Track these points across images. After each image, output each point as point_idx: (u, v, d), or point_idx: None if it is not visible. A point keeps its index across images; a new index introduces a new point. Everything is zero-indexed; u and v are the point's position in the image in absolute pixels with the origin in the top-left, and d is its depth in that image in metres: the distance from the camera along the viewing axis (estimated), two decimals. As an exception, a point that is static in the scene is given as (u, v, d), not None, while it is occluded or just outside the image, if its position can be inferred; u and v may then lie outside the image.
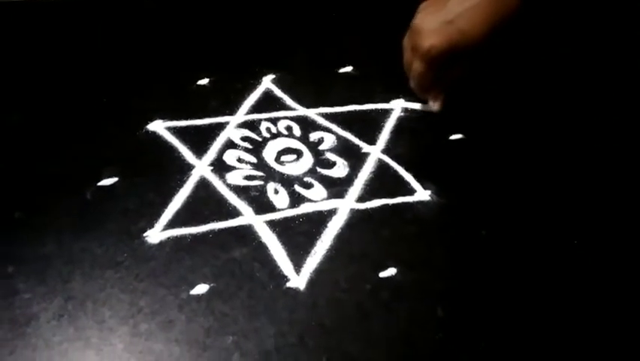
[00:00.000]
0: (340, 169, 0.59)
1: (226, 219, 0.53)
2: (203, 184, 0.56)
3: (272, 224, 0.53)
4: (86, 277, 0.48)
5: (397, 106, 0.66)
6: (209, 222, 0.52)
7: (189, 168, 0.57)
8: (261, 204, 0.54)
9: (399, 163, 0.59)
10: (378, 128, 0.63)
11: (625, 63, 0.72)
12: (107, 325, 0.45)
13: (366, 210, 0.55)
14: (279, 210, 0.54)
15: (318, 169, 0.58)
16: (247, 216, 0.53)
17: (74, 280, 0.47)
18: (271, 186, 0.56)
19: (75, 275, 0.48)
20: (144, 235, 0.51)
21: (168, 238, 0.51)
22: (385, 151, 0.61)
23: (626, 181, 0.58)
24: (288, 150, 0.60)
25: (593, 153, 0.61)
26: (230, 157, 0.59)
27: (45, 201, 0.53)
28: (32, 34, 0.73)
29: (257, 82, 0.68)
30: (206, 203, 0.54)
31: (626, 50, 0.73)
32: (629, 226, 0.54)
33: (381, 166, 0.59)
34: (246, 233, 0.52)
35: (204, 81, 0.68)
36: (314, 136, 0.62)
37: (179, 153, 0.59)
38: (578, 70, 0.72)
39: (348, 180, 0.57)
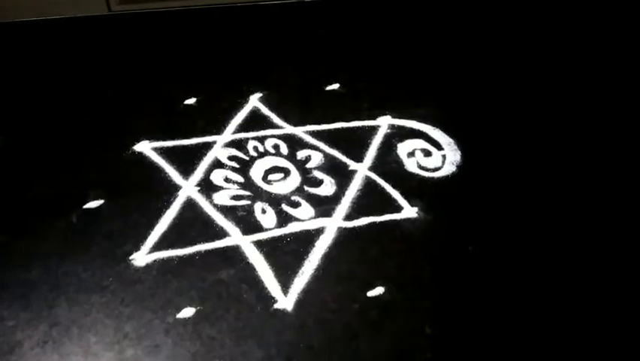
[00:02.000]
0: (328, 187, 0.59)
1: (213, 240, 0.52)
2: (189, 205, 0.56)
3: (259, 244, 0.53)
4: (71, 302, 0.47)
5: (384, 123, 0.66)
6: (195, 244, 0.52)
7: (176, 188, 0.57)
8: (249, 225, 0.54)
9: (386, 180, 0.59)
10: (365, 146, 0.64)
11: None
12: (92, 351, 0.44)
13: (353, 229, 0.55)
14: (266, 230, 0.54)
15: (306, 188, 0.58)
16: (234, 236, 0.53)
17: (59, 306, 0.47)
18: (258, 206, 0.56)
19: (60, 300, 0.47)
20: (130, 258, 0.51)
21: (154, 261, 0.50)
22: (372, 168, 0.61)
23: (604, 199, 0.59)
24: (275, 169, 0.60)
25: (576, 170, 0.62)
26: (217, 177, 0.59)
27: (30, 225, 0.53)
28: (16, 57, 0.73)
29: (244, 101, 0.68)
30: (193, 224, 0.54)
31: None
32: (610, 239, 0.54)
33: (369, 183, 0.59)
34: (233, 254, 0.52)
35: (191, 101, 0.68)
36: (301, 154, 0.62)
37: (166, 173, 0.59)
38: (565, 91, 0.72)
39: (336, 199, 0.57)
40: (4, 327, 0.45)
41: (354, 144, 0.64)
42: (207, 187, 0.58)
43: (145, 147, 0.61)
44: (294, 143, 0.64)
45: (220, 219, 0.55)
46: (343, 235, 0.54)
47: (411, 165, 0.62)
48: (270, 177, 0.59)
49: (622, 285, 0.50)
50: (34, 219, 0.54)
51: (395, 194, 0.58)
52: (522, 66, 0.75)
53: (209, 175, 0.59)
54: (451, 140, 0.64)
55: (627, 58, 0.76)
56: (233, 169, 0.60)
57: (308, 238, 0.53)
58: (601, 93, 0.71)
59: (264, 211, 0.56)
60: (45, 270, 0.50)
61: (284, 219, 0.55)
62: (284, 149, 0.63)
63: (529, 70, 0.74)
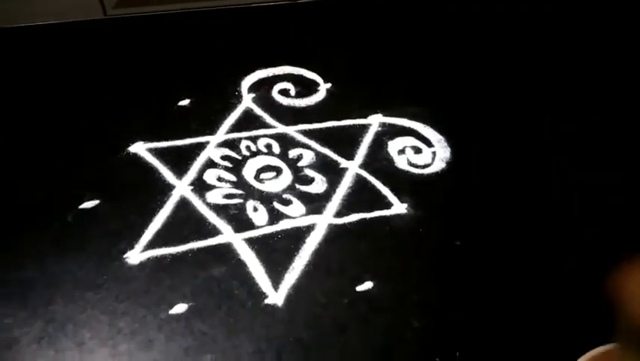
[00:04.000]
0: (319, 185, 0.59)
1: (205, 238, 0.53)
2: (183, 204, 0.57)
3: (251, 241, 0.53)
4: (66, 299, 0.48)
5: (375, 121, 0.67)
6: (188, 242, 0.53)
7: (170, 188, 0.58)
8: (241, 222, 0.55)
9: (376, 177, 0.60)
10: (356, 144, 0.64)
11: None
12: (87, 346, 0.45)
13: (343, 225, 0.55)
14: (257, 227, 0.55)
15: (297, 186, 0.59)
16: (226, 234, 0.54)
17: (55, 303, 0.48)
18: (250, 204, 0.57)
19: (56, 298, 0.48)
20: (124, 256, 0.52)
21: (148, 259, 0.51)
22: (363, 166, 0.62)
23: (592, 195, 0.59)
24: (267, 168, 0.61)
25: (565, 166, 0.62)
26: (210, 176, 0.60)
27: (27, 225, 0.54)
28: (12, 61, 0.74)
29: (237, 101, 0.69)
30: (186, 223, 0.55)
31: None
32: (598, 234, 0.55)
33: (359, 181, 0.60)
34: (225, 251, 0.52)
35: (185, 102, 0.69)
36: (293, 153, 0.63)
37: (160, 173, 0.60)
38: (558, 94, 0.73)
39: (327, 196, 0.58)
40: (2, 324, 0.47)
41: (345, 142, 0.64)
42: (200, 186, 0.59)
43: (140, 148, 0.63)
44: (286, 142, 0.65)
45: (212, 217, 0.56)
46: (333, 231, 0.55)
47: (401, 162, 0.63)
48: (262, 175, 0.60)
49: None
50: (30, 219, 0.55)
51: (385, 191, 0.59)
52: (513, 62, 0.75)
53: (202, 175, 0.60)
54: (441, 137, 0.65)
55: (621, 59, 0.77)
56: (226, 168, 0.61)
57: (299, 235, 0.54)
58: (592, 91, 0.72)
59: (255, 209, 0.57)
60: (41, 269, 0.51)
61: (275, 216, 0.56)
62: (276, 148, 0.64)
63: (519, 66, 0.75)
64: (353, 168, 0.62)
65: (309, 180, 0.60)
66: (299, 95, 0.71)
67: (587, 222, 0.56)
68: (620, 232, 0.55)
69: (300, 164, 0.62)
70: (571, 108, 0.69)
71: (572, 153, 0.64)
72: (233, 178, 0.60)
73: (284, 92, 0.71)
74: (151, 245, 0.53)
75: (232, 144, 0.64)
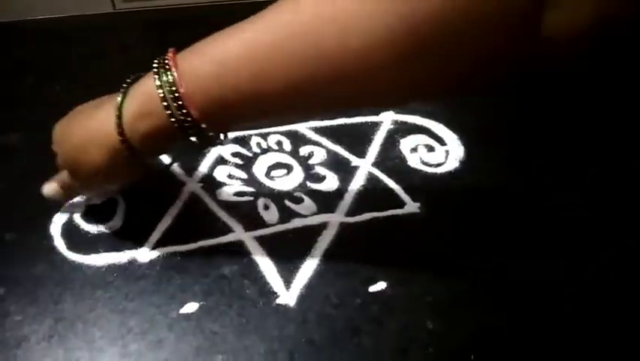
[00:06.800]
0: (330, 183, 0.59)
1: (216, 236, 0.53)
2: (193, 201, 0.56)
3: (262, 240, 0.53)
4: (76, 297, 0.48)
5: (387, 119, 0.66)
6: (199, 240, 0.52)
7: (180, 185, 0.58)
8: (251, 220, 0.55)
9: (389, 176, 0.59)
10: (368, 141, 0.64)
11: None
12: (97, 345, 0.45)
13: (355, 224, 0.55)
14: (269, 225, 0.54)
15: (309, 183, 0.59)
16: (237, 232, 0.53)
17: (65, 301, 0.48)
18: (261, 202, 0.56)
19: (66, 296, 0.48)
20: (134, 253, 0.51)
21: (158, 257, 0.51)
22: (375, 164, 0.61)
23: (608, 198, 0.58)
24: (278, 165, 0.61)
25: (581, 165, 0.62)
26: (220, 173, 0.59)
27: (36, 222, 0.54)
28: (16, 55, 0.74)
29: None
30: (196, 220, 0.54)
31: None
32: (613, 235, 0.54)
33: (371, 179, 0.59)
34: (236, 250, 0.52)
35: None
36: (304, 150, 0.62)
37: (170, 169, 0.59)
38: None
39: (338, 194, 0.58)
40: (12, 321, 0.46)
41: (357, 139, 0.64)
42: (211, 183, 0.58)
43: (149, 144, 0.62)
44: (297, 139, 0.64)
45: (223, 215, 0.55)
46: (345, 230, 0.54)
47: (414, 161, 0.62)
48: (273, 173, 0.60)
49: (628, 288, 0.50)
50: (40, 215, 0.54)
51: (398, 189, 0.58)
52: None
53: (212, 172, 0.60)
54: (454, 135, 0.64)
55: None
56: (237, 165, 0.61)
57: (310, 234, 0.54)
58: (615, 90, 0.71)
59: (266, 207, 0.56)
60: (51, 266, 0.50)
61: (286, 214, 0.56)
62: (287, 145, 0.63)
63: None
64: (365, 166, 0.61)
65: (321, 178, 0.59)
66: (310, 91, 0.70)
67: (607, 224, 0.55)
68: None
69: (311, 161, 0.61)
70: (591, 107, 0.68)
71: (592, 153, 0.63)
72: (244, 175, 0.59)
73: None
74: (161, 243, 0.52)
75: (242, 141, 0.63)
